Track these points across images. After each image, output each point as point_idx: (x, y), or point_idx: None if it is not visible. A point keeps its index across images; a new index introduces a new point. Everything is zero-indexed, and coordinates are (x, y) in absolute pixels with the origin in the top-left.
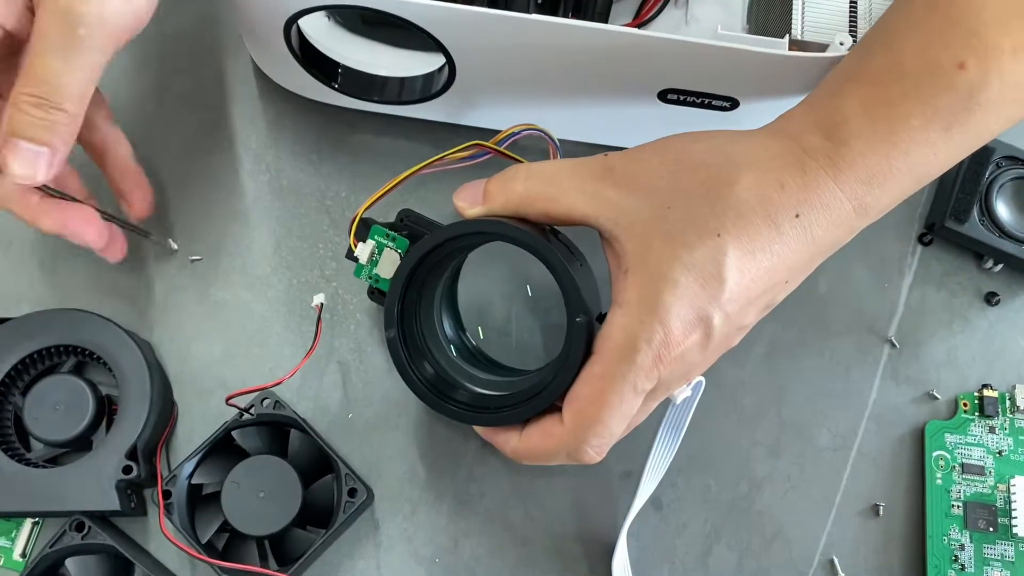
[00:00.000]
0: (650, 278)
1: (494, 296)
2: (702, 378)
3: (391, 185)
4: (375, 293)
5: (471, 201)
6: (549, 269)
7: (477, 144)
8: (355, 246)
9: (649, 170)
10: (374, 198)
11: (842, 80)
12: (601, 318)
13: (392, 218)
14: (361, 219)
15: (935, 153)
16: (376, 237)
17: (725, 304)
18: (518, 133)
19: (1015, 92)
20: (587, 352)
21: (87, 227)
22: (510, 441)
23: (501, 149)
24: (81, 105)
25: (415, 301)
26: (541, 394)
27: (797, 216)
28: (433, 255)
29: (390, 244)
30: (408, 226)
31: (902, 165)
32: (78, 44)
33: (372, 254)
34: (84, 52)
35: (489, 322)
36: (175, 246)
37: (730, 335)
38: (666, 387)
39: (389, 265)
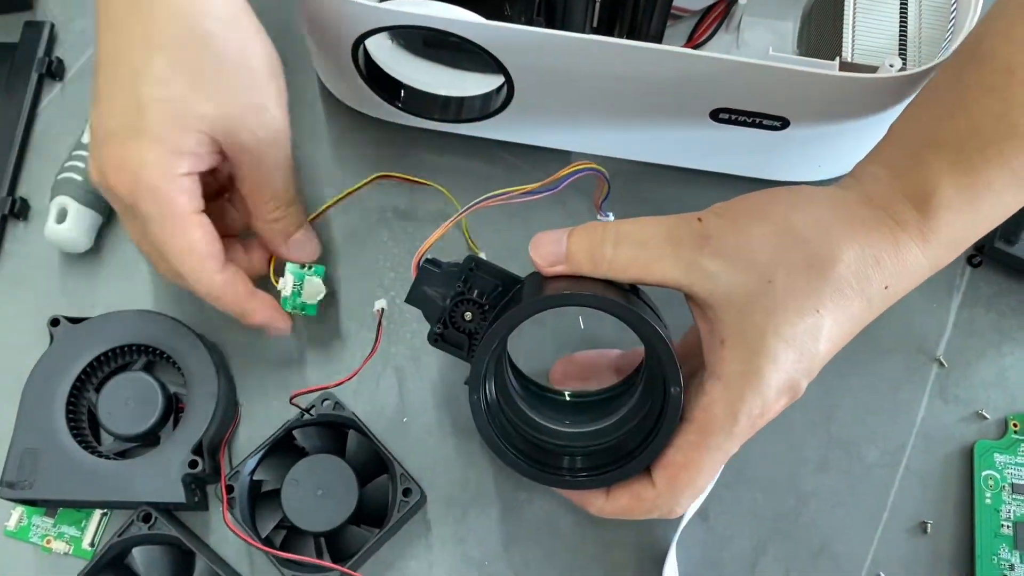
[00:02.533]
0: (750, 352)
1: (546, 334)
2: None
3: (446, 225)
4: (439, 340)
5: (551, 259)
6: (645, 341)
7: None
8: (276, 281)
9: (749, 242)
10: (432, 239)
11: (924, 145)
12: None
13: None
14: (425, 261)
15: (1008, 208)
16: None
17: (813, 370)
18: (575, 173)
19: None
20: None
21: (280, 315)
22: (595, 502)
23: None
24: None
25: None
26: (631, 462)
27: (886, 288)
28: None
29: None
30: (478, 276)
31: (981, 226)
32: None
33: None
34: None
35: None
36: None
37: None
38: None
39: (312, 291)
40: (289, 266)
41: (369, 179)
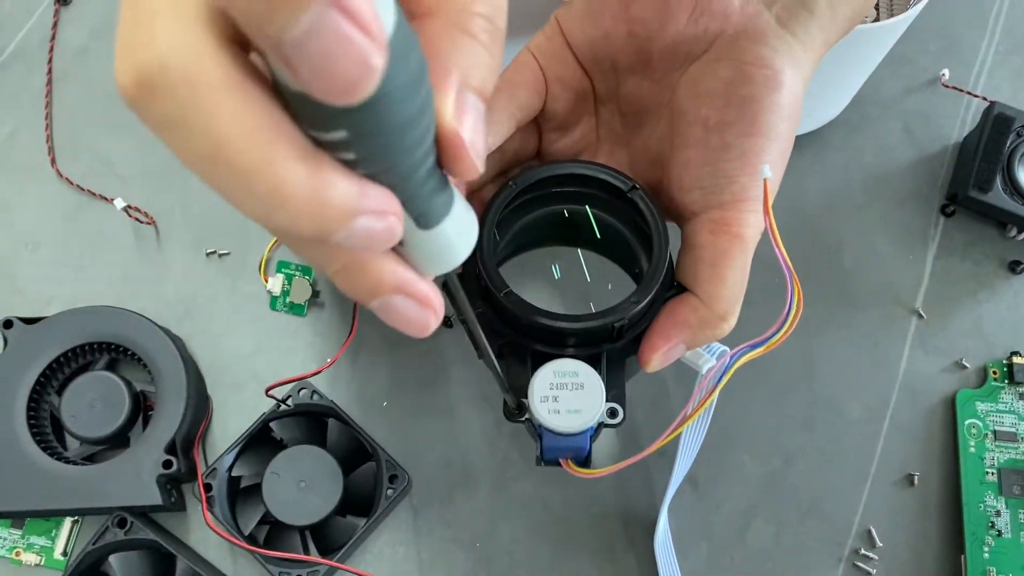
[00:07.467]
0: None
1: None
2: (726, 347)
3: None
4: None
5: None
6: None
7: None
8: (266, 281)
9: None
10: None
11: None
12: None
13: None
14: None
15: None
16: (283, 270)
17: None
18: None
19: None
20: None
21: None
22: (651, 356)
23: None
24: None
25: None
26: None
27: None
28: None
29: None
30: None
31: None
32: None
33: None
34: None
35: None
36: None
37: None
38: None
39: (301, 292)
40: (280, 264)
41: None
